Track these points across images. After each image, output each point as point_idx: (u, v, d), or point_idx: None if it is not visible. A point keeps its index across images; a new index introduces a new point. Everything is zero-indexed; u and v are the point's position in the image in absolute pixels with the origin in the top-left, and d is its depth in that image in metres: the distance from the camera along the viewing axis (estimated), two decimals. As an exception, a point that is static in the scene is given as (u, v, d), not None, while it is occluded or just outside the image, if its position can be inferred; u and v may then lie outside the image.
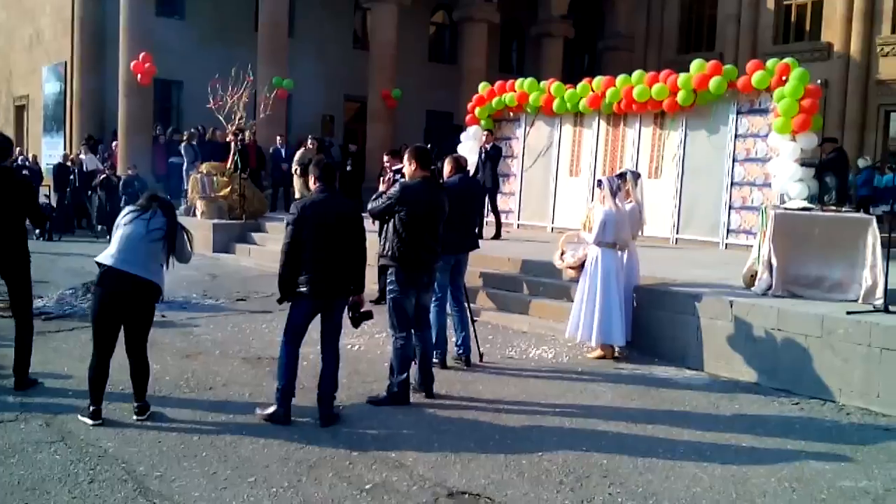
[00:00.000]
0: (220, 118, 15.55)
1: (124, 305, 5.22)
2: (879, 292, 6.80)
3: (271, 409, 5.38)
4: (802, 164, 11.05)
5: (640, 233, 8.06)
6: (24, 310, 6.03)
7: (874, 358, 6.13)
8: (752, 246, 8.46)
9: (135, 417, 5.29)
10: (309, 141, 16.26)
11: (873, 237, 7.11)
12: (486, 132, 13.42)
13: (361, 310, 5.67)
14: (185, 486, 4.28)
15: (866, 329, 6.21)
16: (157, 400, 5.63)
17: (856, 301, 6.99)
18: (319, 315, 5.51)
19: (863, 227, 7.22)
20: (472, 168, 13.88)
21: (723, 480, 4.63)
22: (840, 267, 7.23)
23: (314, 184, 5.55)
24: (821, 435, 5.53)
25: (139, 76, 18.66)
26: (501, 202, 14.99)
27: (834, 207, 8.12)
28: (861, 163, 18.19)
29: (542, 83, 14.48)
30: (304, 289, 5.34)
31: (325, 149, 20.50)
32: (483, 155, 12.68)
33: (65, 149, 21.95)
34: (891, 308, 6.49)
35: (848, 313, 6.45)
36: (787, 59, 11.41)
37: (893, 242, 7.04)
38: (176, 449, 4.82)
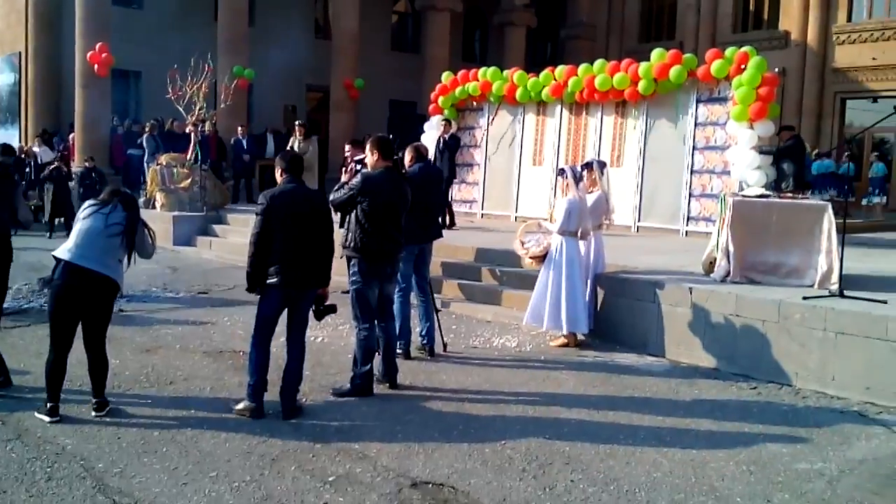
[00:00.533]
0: (180, 109, 15.34)
1: (81, 300, 5.13)
2: (835, 277, 6.92)
3: (243, 405, 5.35)
4: (760, 152, 11.21)
5: (610, 221, 8.12)
6: None
7: (829, 342, 6.25)
8: (711, 233, 8.57)
9: (93, 413, 5.21)
10: (297, 127, 15.58)
11: (829, 223, 7.24)
12: (444, 122, 13.37)
13: (326, 303, 5.65)
14: (145, 482, 4.24)
15: (822, 314, 6.33)
16: (116, 395, 5.56)
17: (812, 286, 7.11)
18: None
19: (819, 214, 7.35)
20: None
21: (682, 465, 4.70)
22: (796, 253, 7.36)
23: (281, 175, 5.50)
24: (778, 418, 5.63)
25: (96, 66, 18.33)
26: (465, 191, 15.04)
27: (791, 194, 8.25)
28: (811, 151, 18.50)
29: (505, 72, 14.50)
30: (275, 280, 5.29)
31: (284, 138, 20.31)
32: (441, 145, 12.61)
33: (20, 141, 21.48)
34: (846, 293, 6.62)
35: (804, 298, 6.57)
36: (745, 48, 11.54)
37: (848, 228, 7.18)
38: (136, 445, 4.76)
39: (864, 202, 19.46)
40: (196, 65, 15.14)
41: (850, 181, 18.66)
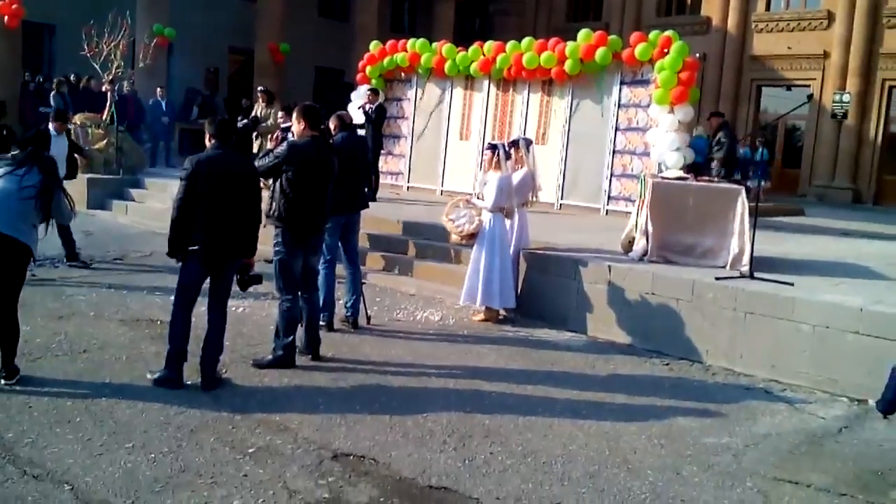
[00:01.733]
0: (96, 66, 14.73)
1: None
2: (746, 259, 7.19)
3: (161, 374, 5.25)
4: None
5: (535, 198, 8.23)
6: None
7: (739, 321, 6.52)
8: (631, 213, 8.77)
9: (2, 382, 5.04)
10: (259, 94, 14.18)
11: (742, 207, 7.52)
12: (369, 91, 13.21)
13: (251, 273, 5.58)
14: (58, 453, 4.13)
15: (732, 294, 6.59)
16: (27, 364, 5.38)
17: (724, 267, 7.38)
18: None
19: (732, 198, 7.61)
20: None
21: (597, 438, 4.85)
22: (711, 235, 7.61)
23: (209, 140, 5.38)
24: (688, 394, 5.86)
25: (6, 18, 17.42)
26: (391, 163, 14.95)
27: (707, 178, 8.50)
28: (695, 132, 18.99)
29: (434, 44, 14.42)
30: (197, 247, 5.20)
31: (208, 103, 19.80)
32: (366, 115, 12.48)
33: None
34: (756, 274, 6.89)
35: (716, 279, 6.82)
36: (668, 32, 11.75)
37: (760, 212, 7.46)
38: (48, 414, 4.63)
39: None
40: (114, 21, 14.54)
41: (766, 166, 19.31)
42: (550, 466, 4.40)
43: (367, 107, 12.60)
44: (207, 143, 5.39)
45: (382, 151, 13.85)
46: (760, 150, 17.56)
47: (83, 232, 11.23)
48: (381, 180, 13.62)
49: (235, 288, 5.59)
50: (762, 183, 19.62)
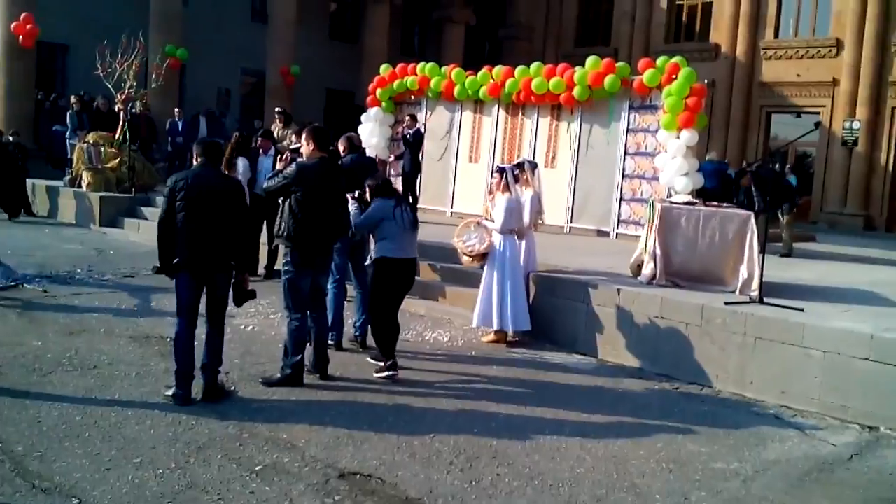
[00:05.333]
0: (109, 86, 14.89)
1: None
2: (755, 284, 7.17)
3: (172, 390, 5.32)
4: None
5: (541, 221, 8.25)
6: None
7: (748, 346, 6.50)
8: (640, 236, 8.78)
9: None
10: (277, 115, 14.36)
11: (751, 232, 7.52)
12: (409, 117, 13.54)
13: (246, 288, 5.61)
14: (66, 467, 4.14)
15: (742, 319, 6.57)
16: (37, 378, 5.40)
17: (733, 292, 7.37)
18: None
19: (742, 223, 7.61)
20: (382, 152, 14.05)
21: (605, 461, 4.83)
22: (720, 259, 7.61)
23: (196, 160, 5.50)
24: (697, 419, 5.82)
25: (21, 38, 17.63)
26: (401, 185, 15.00)
27: (716, 203, 8.51)
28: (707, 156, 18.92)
29: (444, 68, 14.53)
30: (177, 260, 5.31)
31: (217, 121, 19.90)
32: (404, 140, 12.87)
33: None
34: (765, 300, 6.87)
35: (726, 304, 6.80)
36: (676, 58, 11.84)
37: (769, 238, 7.45)
38: (57, 429, 4.65)
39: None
40: (127, 41, 14.71)
41: (796, 193, 19.29)
42: (557, 489, 4.38)
43: (406, 132, 12.90)
44: (194, 163, 5.52)
45: (392, 174, 13.95)
46: (789, 176, 17.49)
47: (95, 249, 11.36)
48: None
49: (248, 305, 5.60)
50: (788, 209, 19.55)
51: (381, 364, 6.21)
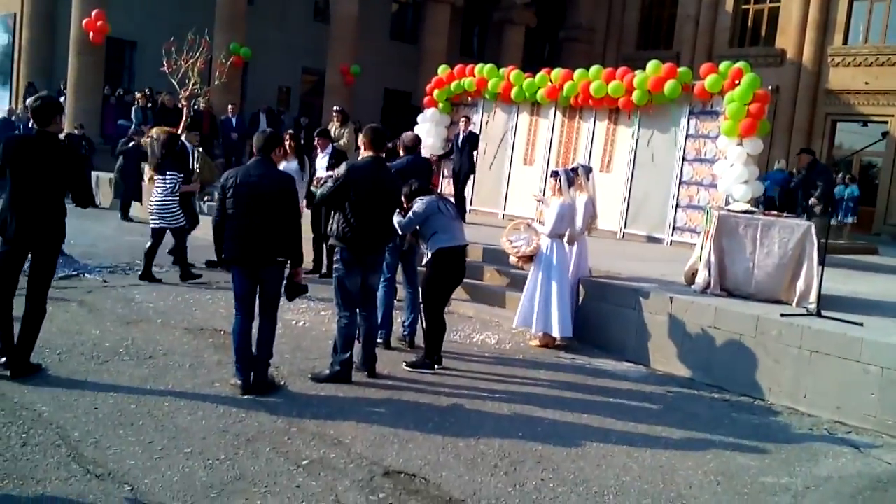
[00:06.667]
0: (174, 82, 15.23)
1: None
2: (813, 296, 7.00)
3: (234, 379, 5.50)
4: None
5: (595, 225, 8.18)
6: (40, 291, 5.42)
7: (804, 360, 6.35)
8: (695, 244, 8.64)
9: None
10: (334, 114, 14.79)
11: (810, 243, 7.34)
12: (464, 118, 13.64)
13: (298, 283, 5.72)
14: (119, 454, 4.26)
15: (798, 332, 6.42)
16: (95, 366, 5.56)
17: (790, 304, 7.21)
18: None
19: (800, 233, 7.44)
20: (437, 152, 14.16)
21: (651, 471, 4.77)
22: (777, 270, 7.43)
23: (256, 154, 5.61)
24: (748, 432, 5.71)
25: (91, 34, 18.16)
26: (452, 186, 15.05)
27: (775, 213, 8.33)
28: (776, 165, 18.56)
29: (502, 70, 14.51)
30: (224, 255, 5.51)
31: (276, 119, 20.22)
32: (460, 140, 13.07)
33: (10, 103, 21.30)
34: (823, 313, 6.70)
35: (782, 315, 6.65)
36: (739, 63, 11.62)
37: (829, 248, 7.26)
38: (112, 416, 4.78)
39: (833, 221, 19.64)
40: (193, 39, 15.03)
41: (855, 203, 18.88)
42: (602, 497, 4.35)
43: (463, 132, 13.01)
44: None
45: (445, 174, 14.05)
46: (850, 186, 17.10)
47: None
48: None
49: (300, 301, 5.68)
50: (849, 219, 19.13)
51: (416, 370, 6.29)
